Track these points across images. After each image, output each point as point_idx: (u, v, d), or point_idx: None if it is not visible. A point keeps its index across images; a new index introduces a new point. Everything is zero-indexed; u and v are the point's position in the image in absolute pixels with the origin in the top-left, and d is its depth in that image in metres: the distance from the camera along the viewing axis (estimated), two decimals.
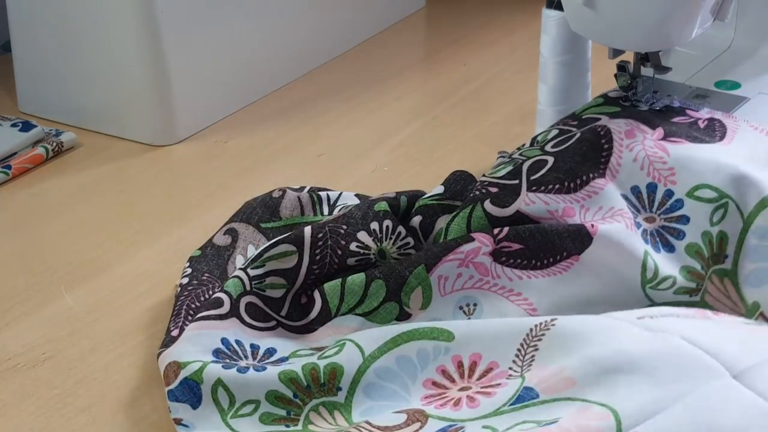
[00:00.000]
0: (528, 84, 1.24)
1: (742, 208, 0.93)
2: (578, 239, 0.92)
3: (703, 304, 0.92)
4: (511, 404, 0.79)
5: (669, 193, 0.96)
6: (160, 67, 1.24)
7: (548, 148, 1.00)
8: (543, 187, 0.95)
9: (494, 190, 0.96)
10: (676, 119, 1.02)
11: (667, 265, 0.94)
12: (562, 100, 1.12)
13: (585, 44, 1.13)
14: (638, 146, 0.97)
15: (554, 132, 1.02)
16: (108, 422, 0.87)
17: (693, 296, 0.93)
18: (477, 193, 0.96)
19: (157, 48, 1.23)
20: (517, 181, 0.96)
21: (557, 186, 0.95)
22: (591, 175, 0.96)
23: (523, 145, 1.05)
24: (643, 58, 1.06)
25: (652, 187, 0.96)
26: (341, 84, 1.39)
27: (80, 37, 1.26)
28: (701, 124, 1.01)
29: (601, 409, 0.75)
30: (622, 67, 1.07)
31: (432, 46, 1.51)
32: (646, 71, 1.07)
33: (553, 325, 0.83)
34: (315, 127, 1.30)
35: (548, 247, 0.92)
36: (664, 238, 0.95)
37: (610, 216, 0.94)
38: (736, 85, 1.14)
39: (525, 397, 0.79)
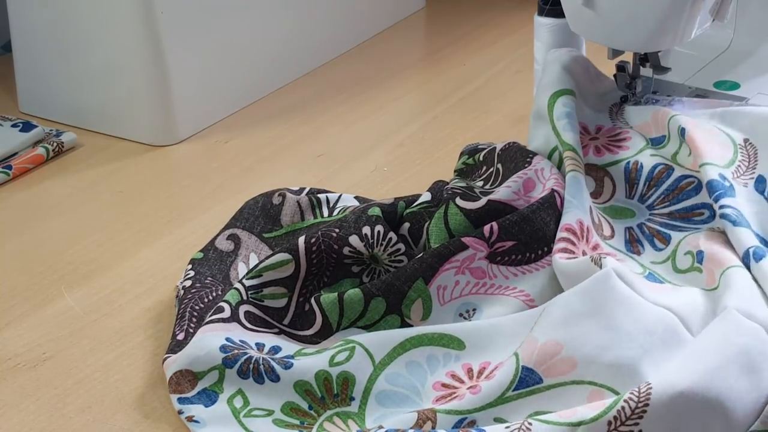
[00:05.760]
0: (528, 84, 1.23)
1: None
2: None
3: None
4: (515, 389, 0.81)
5: None
6: (160, 67, 1.24)
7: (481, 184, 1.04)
8: (503, 179, 1.00)
9: (460, 191, 0.98)
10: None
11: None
12: None
13: (579, 49, 1.13)
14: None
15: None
16: (108, 422, 0.87)
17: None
18: (445, 195, 0.98)
19: (157, 48, 1.23)
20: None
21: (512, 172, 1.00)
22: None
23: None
24: (642, 59, 1.06)
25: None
26: (341, 84, 1.39)
27: (81, 38, 1.26)
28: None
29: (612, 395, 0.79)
30: (621, 68, 1.07)
31: (432, 46, 1.51)
32: (646, 71, 1.08)
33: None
34: (315, 127, 1.30)
35: (539, 236, 0.94)
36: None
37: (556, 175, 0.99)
38: (735, 86, 1.14)
39: (528, 380, 0.81)
